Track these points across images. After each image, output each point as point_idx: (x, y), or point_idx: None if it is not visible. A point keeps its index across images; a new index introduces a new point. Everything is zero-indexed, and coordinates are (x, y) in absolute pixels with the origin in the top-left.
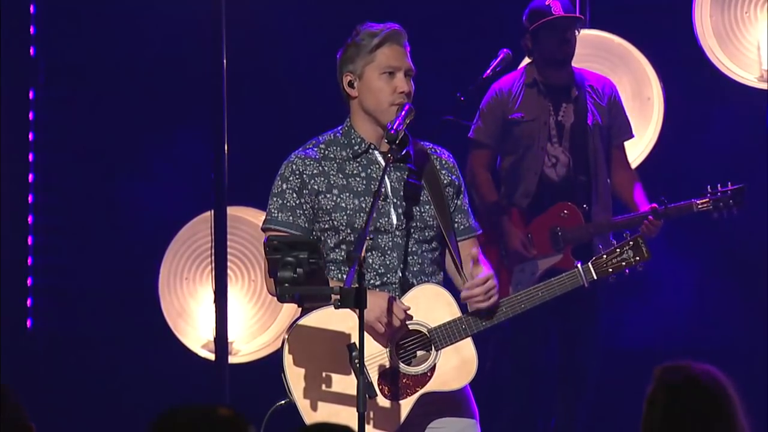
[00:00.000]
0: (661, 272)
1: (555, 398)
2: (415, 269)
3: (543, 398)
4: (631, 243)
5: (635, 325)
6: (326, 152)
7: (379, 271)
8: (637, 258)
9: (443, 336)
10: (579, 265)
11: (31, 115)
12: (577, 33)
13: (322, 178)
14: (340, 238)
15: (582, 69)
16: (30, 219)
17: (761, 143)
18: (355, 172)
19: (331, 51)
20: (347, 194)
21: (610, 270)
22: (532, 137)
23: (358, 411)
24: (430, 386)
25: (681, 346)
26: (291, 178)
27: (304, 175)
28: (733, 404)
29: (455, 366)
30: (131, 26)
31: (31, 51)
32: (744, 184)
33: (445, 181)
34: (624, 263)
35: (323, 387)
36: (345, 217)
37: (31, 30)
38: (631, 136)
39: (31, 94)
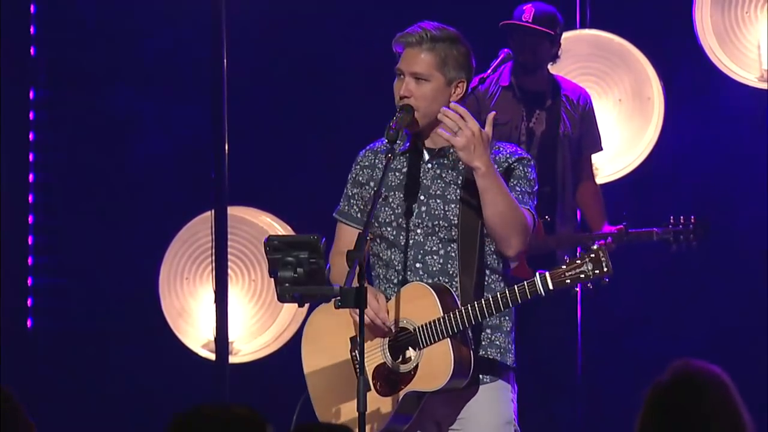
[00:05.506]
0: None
1: (536, 403)
2: (434, 269)
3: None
4: (592, 256)
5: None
6: (392, 146)
7: (384, 269)
8: (597, 272)
9: (426, 336)
10: (538, 274)
11: (31, 115)
12: (550, 45)
13: (369, 171)
14: (373, 230)
15: (559, 77)
16: (30, 219)
17: (761, 143)
18: (399, 166)
19: (331, 51)
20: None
21: (568, 282)
22: (502, 141)
23: (358, 410)
24: (414, 385)
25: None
26: (353, 169)
27: (358, 167)
28: (736, 401)
29: (434, 366)
30: (131, 26)
31: (31, 51)
32: (709, 219)
33: None
34: (583, 276)
35: (330, 379)
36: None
37: (31, 30)
38: (600, 149)
39: (31, 94)
